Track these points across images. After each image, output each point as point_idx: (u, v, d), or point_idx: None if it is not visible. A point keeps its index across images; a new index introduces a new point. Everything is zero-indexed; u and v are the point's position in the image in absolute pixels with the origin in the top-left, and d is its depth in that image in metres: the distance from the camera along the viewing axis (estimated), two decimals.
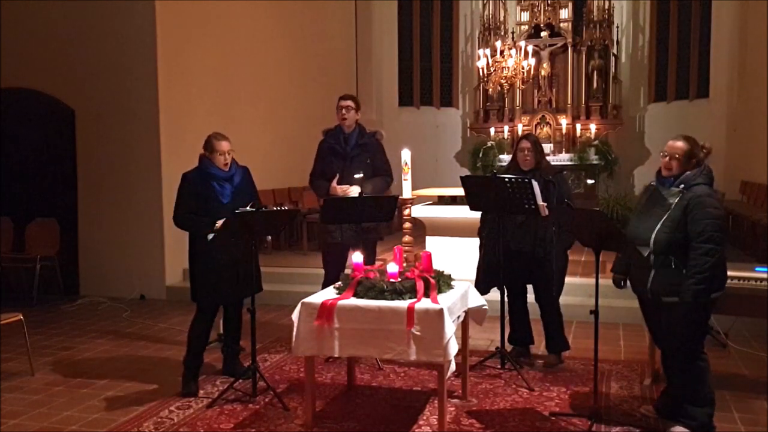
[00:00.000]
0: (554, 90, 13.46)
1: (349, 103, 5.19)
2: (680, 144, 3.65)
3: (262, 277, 4.81)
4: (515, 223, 4.81)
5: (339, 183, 5.11)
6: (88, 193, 7.99)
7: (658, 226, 3.60)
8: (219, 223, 4.33)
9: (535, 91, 13.47)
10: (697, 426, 3.63)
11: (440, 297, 3.71)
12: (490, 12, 13.58)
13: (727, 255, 3.67)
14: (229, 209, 4.43)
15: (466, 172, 12.80)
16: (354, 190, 5.08)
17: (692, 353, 3.63)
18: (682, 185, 3.59)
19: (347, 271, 4.27)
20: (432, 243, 7.00)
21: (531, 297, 5.08)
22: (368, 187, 5.13)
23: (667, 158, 3.66)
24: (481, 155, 13.30)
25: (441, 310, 3.52)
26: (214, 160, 4.53)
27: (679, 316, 3.53)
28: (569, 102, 13.20)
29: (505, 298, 4.88)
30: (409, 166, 5.51)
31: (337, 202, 4.84)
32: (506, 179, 4.55)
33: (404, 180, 5.52)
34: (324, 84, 11.07)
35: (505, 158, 13.00)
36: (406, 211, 5.71)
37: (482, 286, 4.85)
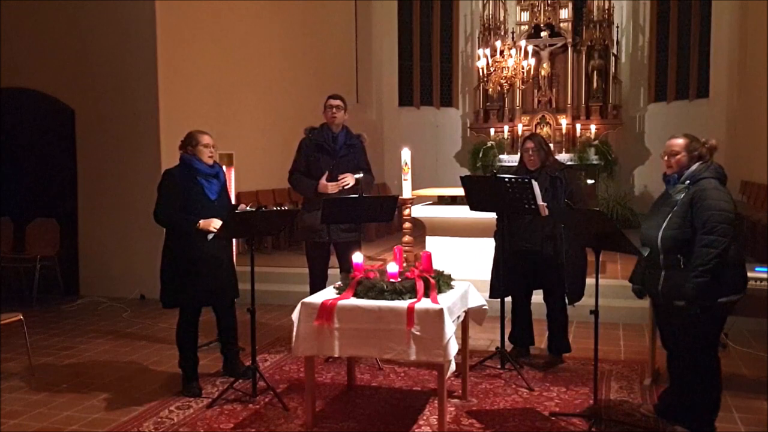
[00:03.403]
0: (554, 90, 13.46)
1: (339, 102, 5.23)
2: (677, 141, 3.62)
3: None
4: (524, 222, 4.79)
5: (328, 180, 5.12)
6: (88, 192, 7.99)
7: (665, 223, 3.55)
8: (215, 223, 4.31)
9: (535, 91, 13.47)
10: (698, 428, 3.62)
11: (440, 297, 3.71)
12: (490, 12, 13.58)
13: (740, 259, 3.56)
14: (217, 206, 4.42)
15: (466, 172, 12.80)
16: (347, 179, 5.09)
17: (704, 357, 3.56)
18: (688, 181, 3.55)
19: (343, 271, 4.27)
20: (432, 243, 6.99)
21: (533, 297, 5.07)
22: (362, 179, 5.18)
23: (666, 157, 3.64)
24: (481, 155, 13.32)
25: (441, 310, 3.52)
26: (198, 154, 4.45)
27: (692, 320, 3.45)
28: (569, 102, 13.20)
29: (507, 297, 4.88)
30: (409, 166, 5.54)
31: (338, 202, 4.84)
32: (506, 179, 4.54)
33: (404, 180, 5.54)
34: (324, 84, 11.05)
35: (505, 158, 13.03)
36: (406, 211, 5.73)
37: (500, 291, 4.83)
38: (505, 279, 4.81)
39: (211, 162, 4.51)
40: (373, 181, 5.47)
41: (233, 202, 4.51)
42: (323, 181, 5.11)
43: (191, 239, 4.36)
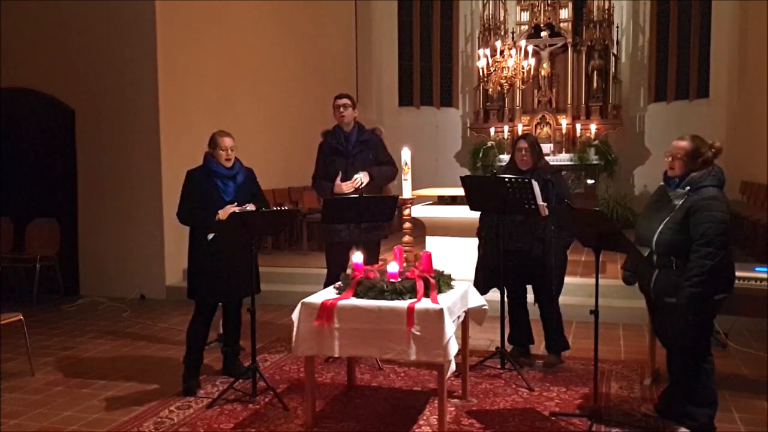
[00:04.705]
0: (554, 90, 13.46)
1: (346, 101, 5.21)
2: (683, 143, 3.58)
3: (263, 277, 4.82)
4: (514, 222, 4.80)
5: (342, 180, 5.11)
6: (88, 193, 7.99)
7: (661, 227, 3.57)
8: (221, 213, 4.36)
9: (535, 91, 13.47)
10: (698, 427, 3.62)
11: (440, 297, 3.71)
12: (490, 12, 13.59)
13: (734, 257, 3.59)
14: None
15: (466, 172, 12.80)
16: (359, 178, 5.08)
17: (695, 354, 3.60)
18: (688, 187, 3.53)
19: (347, 270, 4.28)
20: (432, 243, 6.99)
21: (531, 297, 5.08)
22: (375, 172, 5.16)
23: (670, 158, 3.61)
24: (481, 155, 13.33)
25: (441, 310, 3.52)
26: (216, 156, 4.54)
27: (681, 317, 3.49)
28: (569, 102, 13.20)
29: (505, 298, 4.88)
30: (409, 166, 5.53)
31: (338, 203, 4.84)
32: (506, 179, 4.54)
33: (404, 180, 5.53)
34: (324, 84, 11.07)
35: (505, 158, 13.02)
36: (406, 211, 5.73)
37: (481, 287, 4.85)
38: (486, 276, 4.86)
39: (228, 165, 4.57)
40: (394, 171, 5.37)
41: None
42: (338, 181, 5.11)
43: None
